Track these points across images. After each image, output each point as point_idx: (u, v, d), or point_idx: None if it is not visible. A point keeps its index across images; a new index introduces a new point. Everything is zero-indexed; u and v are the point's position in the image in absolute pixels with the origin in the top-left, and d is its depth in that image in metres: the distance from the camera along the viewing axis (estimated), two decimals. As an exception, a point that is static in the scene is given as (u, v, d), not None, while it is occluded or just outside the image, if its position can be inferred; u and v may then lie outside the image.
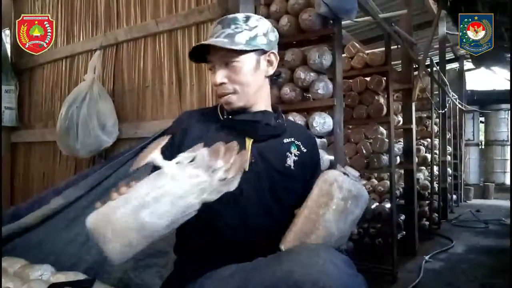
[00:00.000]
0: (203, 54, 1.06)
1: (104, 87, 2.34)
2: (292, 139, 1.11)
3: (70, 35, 2.68)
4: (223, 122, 1.09)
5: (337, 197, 0.89)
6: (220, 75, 1.03)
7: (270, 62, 1.09)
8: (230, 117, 1.08)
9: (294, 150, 1.09)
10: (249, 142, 1.05)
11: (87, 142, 2.20)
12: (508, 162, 10.75)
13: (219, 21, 1.06)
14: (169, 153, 0.98)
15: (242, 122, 1.06)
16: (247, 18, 1.05)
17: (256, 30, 1.04)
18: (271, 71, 1.10)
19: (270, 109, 1.12)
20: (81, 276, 1.50)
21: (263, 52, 1.06)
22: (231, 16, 1.06)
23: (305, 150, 1.12)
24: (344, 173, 0.93)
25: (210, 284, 0.94)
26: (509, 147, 10.68)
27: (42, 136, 2.76)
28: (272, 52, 1.09)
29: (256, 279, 0.80)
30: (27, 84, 2.95)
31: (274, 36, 1.10)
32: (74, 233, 1.90)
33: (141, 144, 1.94)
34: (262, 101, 1.10)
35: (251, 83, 1.05)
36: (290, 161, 1.07)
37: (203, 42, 1.03)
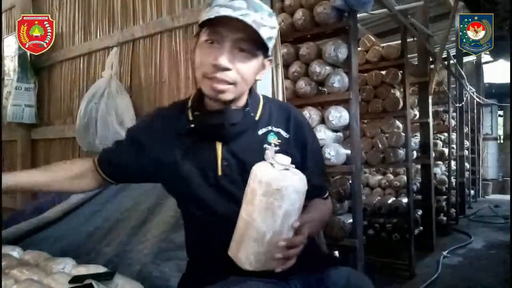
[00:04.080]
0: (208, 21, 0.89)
1: (122, 83, 2.37)
2: (269, 127, 1.00)
3: (87, 33, 2.71)
4: (192, 127, 0.99)
5: (258, 194, 0.81)
6: (227, 59, 0.88)
7: (264, 67, 0.98)
8: (198, 119, 0.99)
9: (273, 139, 0.99)
10: (219, 145, 0.98)
11: (106, 138, 2.24)
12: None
13: None
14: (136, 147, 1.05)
15: (211, 127, 0.97)
16: (271, 15, 0.92)
17: (274, 31, 0.94)
18: (259, 77, 0.98)
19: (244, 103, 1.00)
20: (101, 269, 1.52)
21: (266, 54, 0.96)
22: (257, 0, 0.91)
23: (287, 136, 1.01)
24: (271, 164, 0.84)
25: None
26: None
27: (61, 133, 2.81)
28: (270, 60, 0.99)
29: None
30: (46, 82, 3.01)
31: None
32: (94, 227, 1.93)
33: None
34: (242, 100, 0.99)
35: (249, 81, 0.95)
36: None
37: (227, 15, 0.84)
